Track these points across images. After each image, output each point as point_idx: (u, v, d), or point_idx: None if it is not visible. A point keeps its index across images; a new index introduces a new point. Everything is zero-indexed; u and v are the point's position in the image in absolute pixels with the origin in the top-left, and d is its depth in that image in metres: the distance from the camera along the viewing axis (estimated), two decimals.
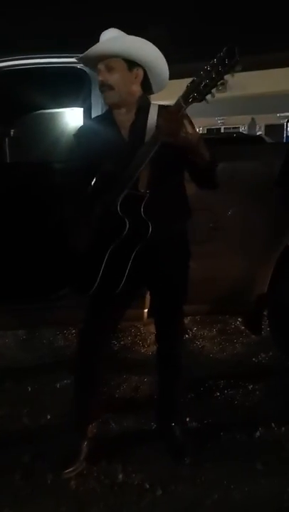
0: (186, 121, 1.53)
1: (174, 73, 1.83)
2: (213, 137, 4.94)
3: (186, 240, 1.86)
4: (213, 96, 1.46)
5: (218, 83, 1.44)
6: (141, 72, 1.70)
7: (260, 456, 1.89)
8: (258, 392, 2.39)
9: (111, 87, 1.66)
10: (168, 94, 1.88)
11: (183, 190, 1.82)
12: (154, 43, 1.69)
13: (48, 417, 2.20)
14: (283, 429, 2.07)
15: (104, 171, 1.69)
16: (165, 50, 1.71)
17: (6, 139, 4.23)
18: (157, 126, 1.55)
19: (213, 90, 1.45)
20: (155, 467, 1.85)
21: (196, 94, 1.46)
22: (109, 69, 1.65)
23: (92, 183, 1.72)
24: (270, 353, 2.79)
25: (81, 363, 1.93)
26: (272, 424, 2.09)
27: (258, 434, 2.04)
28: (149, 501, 1.69)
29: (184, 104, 1.48)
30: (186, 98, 1.47)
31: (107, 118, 1.78)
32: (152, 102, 1.78)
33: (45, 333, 3.19)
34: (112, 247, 1.64)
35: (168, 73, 1.76)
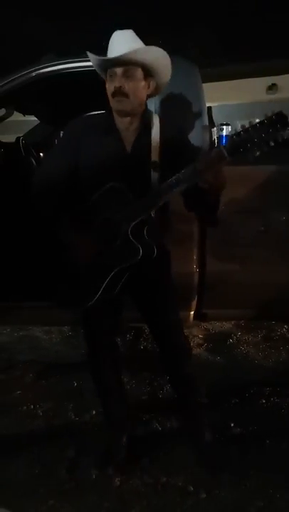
0: (223, 171, 1.51)
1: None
2: None
3: (169, 253, 1.83)
4: (257, 156, 1.43)
5: (264, 146, 1.41)
6: (154, 83, 1.67)
7: None
8: None
9: (126, 95, 1.60)
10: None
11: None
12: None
13: (93, 412, 2.23)
14: None
15: (110, 188, 1.62)
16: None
17: (56, 140, 4.33)
18: (196, 169, 1.50)
19: (258, 152, 1.42)
20: (199, 470, 1.84)
21: (242, 150, 1.43)
22: (128, 76, 1.59)
23: (86, 194, 1.66)
24: None
25: (95, 370, 1.96)
26: None
27: None
28: (192, 504, 1.68)
29: (228, 156, 1.45)
30: (231, 151, 1.45)
31: (108, 123, 1.70)
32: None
33: None
34: (118, 268, 1.61)
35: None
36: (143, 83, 1.63)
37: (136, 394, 2.41)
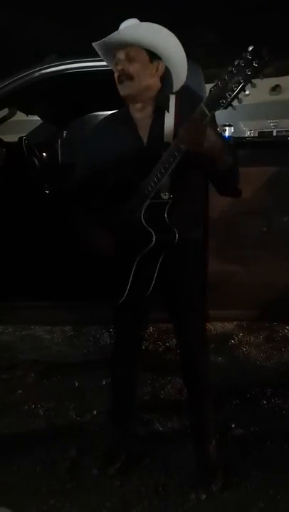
0: (209, 129, 1.41)
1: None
2: (265, 140, 4.84)
3: (202, 248, 1.78)
4: (240, 102, 1.33)
5: (246, 88, 1.30)
6: (162, 66, 1.60)
7: None
8: None
9: (130, 77, 1.56)
10: None
11: (202, 196, 1.74)
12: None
13: (94, 412, 2.24)
14: None
15: (121, 176, 1.61)
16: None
17: (59, 140, 4.34)
18: (179, 135, 1.43)
19: (241, 95, 1.31)
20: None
21: (221, 100, 1.33)
22: (130, 58, 1.56)
23: (108, 188, 1.64)
24: None
25: (115, 370, 1.93)
26: None
27: None
28: (193, 505, 1.68)
29: (208, 112, 1.36)
30: (210, 105, 1.35)
31: (124, 115, 1.69)
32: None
33: (92, 331, 3.24)
34: (138, 258, 1.57)
35: (186, 71, 1.65)
36: (149, 65, 1.58)
37: (137, 394, 2.40)
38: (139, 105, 1.64)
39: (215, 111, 1.36)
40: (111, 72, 2.46)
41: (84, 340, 3.15)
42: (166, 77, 1.65)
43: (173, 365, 2.69)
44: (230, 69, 1.30)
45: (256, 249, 2.31)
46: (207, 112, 1.36)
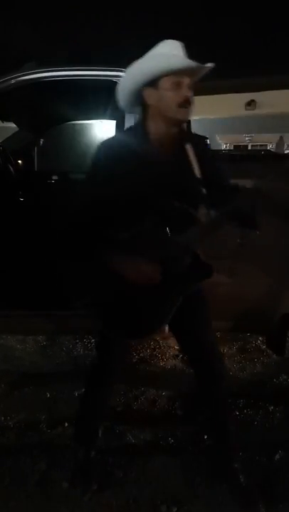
0: None
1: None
2: (240, 154, 4.94)
3: None
4: None
5: None
6: None
7: (280, 479, 1.85)
8: (278, 414, 2.34)
9: (191, 106, 1.58)
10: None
11: None
12: None
13: (66, 425, 2.19)
14: None
15: (171, 209, 1.55)
16: None
17: (35, 148, 4.32)
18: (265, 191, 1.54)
19: None
20: (171, 484, 1.83)
21: None
22: (190, 87, 1.57)
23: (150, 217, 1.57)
24: None
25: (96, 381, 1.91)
26: None
27: (277, 456, 1.99)
28: None
29: None
30: None
31: (141, 141, 1.61)
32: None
33: (65, 341, 3.20)
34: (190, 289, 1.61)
35: None
36: None
37: (110, 405, 2.38)
38: (176, 130, 1.62)
39: None
40: (88, 82, 2.49)
41: (57, 350, 3.11)
42: None
43: (146, 376, 2.69)
44: None
45: (230, 261, 2.33)
46: None
